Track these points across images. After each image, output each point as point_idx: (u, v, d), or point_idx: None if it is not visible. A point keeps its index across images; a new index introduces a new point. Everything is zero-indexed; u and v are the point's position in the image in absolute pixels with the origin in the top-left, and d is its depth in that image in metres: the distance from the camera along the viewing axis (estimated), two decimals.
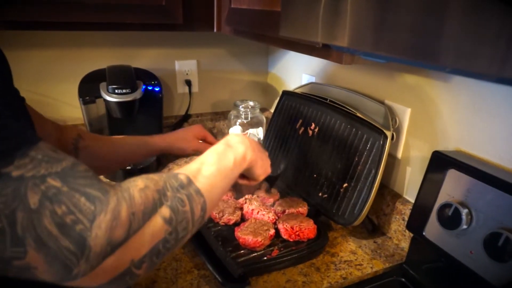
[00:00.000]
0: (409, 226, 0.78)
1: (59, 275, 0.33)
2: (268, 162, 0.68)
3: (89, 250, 0.33)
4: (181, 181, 0.44)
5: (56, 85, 1.21)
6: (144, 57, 1.30)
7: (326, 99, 0.97)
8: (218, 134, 1.42)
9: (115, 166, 0.90)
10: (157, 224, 0.39)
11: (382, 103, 0.88)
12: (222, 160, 0.53)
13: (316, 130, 0.98)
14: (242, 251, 0.75)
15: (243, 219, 0.85)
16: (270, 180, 0.92)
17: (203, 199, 0.46)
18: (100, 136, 0.82)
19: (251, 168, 0.62)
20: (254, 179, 0.68)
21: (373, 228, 0.90)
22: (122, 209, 0.36)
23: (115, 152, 0.80)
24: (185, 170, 0.47)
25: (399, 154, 0.88)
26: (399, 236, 0.86)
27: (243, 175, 0.67)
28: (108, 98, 1.07)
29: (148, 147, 0.84)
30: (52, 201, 0.32)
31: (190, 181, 0.45)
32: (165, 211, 0.40)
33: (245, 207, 0.86)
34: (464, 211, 0.63)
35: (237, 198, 0.92)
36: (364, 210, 0.80)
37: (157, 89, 1.22)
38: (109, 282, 0.36)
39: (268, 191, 0.94)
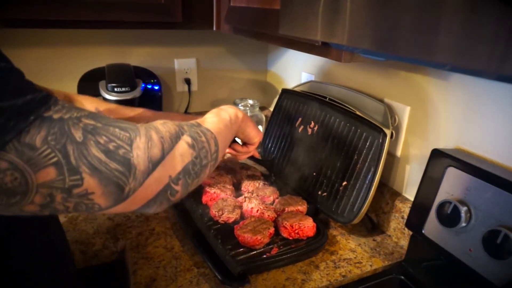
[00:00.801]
0: (408, 224, 0.78)
1: (114, 195, 0.37)
2: (257, 127, 0.76)
3: (135, 168, 0.38)
4: (192, 123, 0.51)
5: (55, 83, 1.20)
6: (144, 56, 1.30)
7: (326, 97, 0.97)
8: None
9: None
10: (183, 147, 0.45)
11: (381, 101, 0.88)
12: (220, 115, 0.61)
13: (316, 128, 0.98)
14: (241, 249, 0.75)
15: (242, 217, 0.85)
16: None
17: (214, 136, 0.52)
18: (115, 107, 0.83)
19: (246, 127, 0.71)
20: (251, 141, 0.77)
21: (373, 226, 0.90)
22: (153, 133, 0.42)
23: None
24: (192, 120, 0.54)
25: (398, 152, 0.88)
26: (398, 234, 0.86)
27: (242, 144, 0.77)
28: (108, 97, 1.07)
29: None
30: (93, 134, 0.36)
31: (199, 124, 0.52)
32: (187, 138, 0.46)
33: (245, 205, 0.86)
34: (463, 209, 0.63)
35: (236, 196, 0.92)
36: (364, 208, 0.80)
37: (156, 87, 1.22)
38: (154, 198, 0.41)
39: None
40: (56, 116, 0.34)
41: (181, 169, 0.44)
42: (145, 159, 0.39)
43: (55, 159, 0.33)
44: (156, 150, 0.41)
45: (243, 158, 0.85)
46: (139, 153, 0.39)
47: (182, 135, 0.46)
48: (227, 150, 0.79)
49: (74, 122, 0.35)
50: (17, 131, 0.31)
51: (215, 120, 0.58)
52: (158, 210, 0.44)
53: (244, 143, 0.79)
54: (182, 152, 0.44)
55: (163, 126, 0.44)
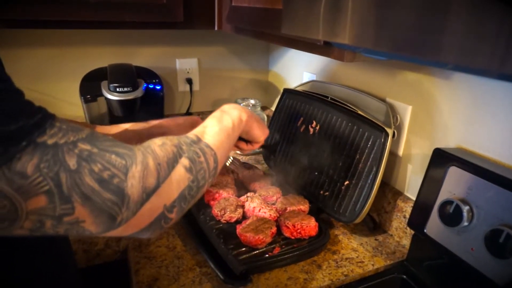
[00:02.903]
0: (410, 224, 0.78)
1: (105, 224, 0.37)
2: (263, 124, 0.73)
3: (128, 198, 0.37)
4: (192, 139, 0.50)
5: (57, 83, 1.21)
6: (145, 56, 1.30)
7: (327, 97, 0.97)
8: None
9: None
10: (180, 172, 0.44)
11: (383, 100, 0.88)
12: (222, 122, 0.58)
13: (317, 128, 0.98)
14: (243, 249, 0.75)
15: (244, 216, 0.85)
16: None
17: (214, 152, 0.51)
18: (105, 127, 0.80)
19: (250, 129, 0.68)
20: (256, 141, 0.74)
21: (374, 225, 0.90)
22: (149, 160, 0.40)
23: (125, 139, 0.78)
24: (192, 132, 0.53)
25: (400, 152, 0.88)
26: (400, 233, 0.86)
27: (245, 141, 0.74)
28: (110, 97, 1.07)
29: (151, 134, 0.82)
30: (88, 161, 0.35)
31: (199, 139, 0.51)
32: (185, 161, 0.45)
33: (247, 204, 0.86)
34: (465, 208, 0.63)
35: (239, 195, 0.92)
36: (365, 207, 0.80)
37: (158, 87, 1.22)
38: (147, 227, 0.41)
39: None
40: (50, 141, 0.34)
41: (176, 197, 0.43)
42: (139, 189, 0.38)
43: (46, 187, 0.33)
44: (152, 179, 0.40)
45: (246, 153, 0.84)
46: (134, 183, 0.38)
47: (180, 157, 0.45)
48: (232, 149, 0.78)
49: (69, 148, 0.35)
50: (7, 158, 0.31)
51: (216, 130, 0.55)
52: (151, 237, 0.44)
53: (248, 141, 0.77)
54: (179, 179, 0.43)
55: (161, 149, 0.43)
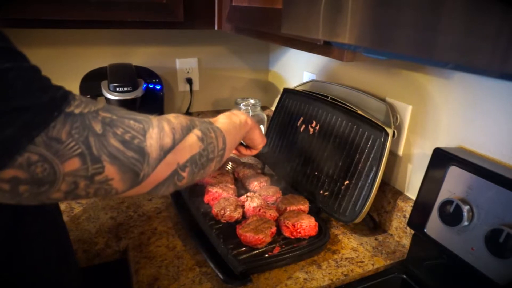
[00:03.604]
0: (410, 223, 0.78)
1: (130, 180, 0.41)
2: (263, 134, 0.81)
3: (148, 155, 0.42)
4: (205, 120, 0.55)
5: (57, 83, 1.20)
6: (145, 55, 1.30)
7: (327, 97, 0.97)
8: None
9: None
10: (193, 139, 0.49)
11: (383, 100, 0.88)
12: (231, 118, 0.65)
13: (317, 127, 0.98)
14: (243, 249, 0.75)
15: (244, 216, 0.85)
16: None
17: (223, 134, 0.56)
18: None
19: (252, 134, 0.75)
20: (255, 147, 0.81)
21: (374, 225, 0.90)
22: (164, 125, 0.45)
23: None
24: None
25: (400, 152, 0.88)
26: (400, 233, 0.86)
27: (246, 146, 0.81)
28: (109, 96, 1.07)
29: None
30: (111, 126, 0.39)
31: (210, 122, 0.57)
32: (197, 131, 0.50)
33: (247, 204, 0.86)
34: (465, 208, 0.63)
35: (238, 195, 0.92)
36: (365, 207, 0.80)
37: (158, 87, 1.22)
38: (163, 182, 0.45)
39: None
40: (77, 111, 0.37)
41: (188, 158, 0.47)
42: (157, 148, 0.43)
43: (79, 150, 0.36)
44: (168, 139, 0.44)
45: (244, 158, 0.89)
46: (152, 142, 0.42)
47: (193, 128, 0.50)
48: (233, 151, 0.80)
49: (93, 116, 0.38)
50: (44, 126, 0.34)
51: (226, 121, 0.61)
52: (165, 193, 0.48)
53: (248, 147, 0.83)
54: (191, 143, 0.48)
55: (175, 118, 0.48)
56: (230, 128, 0.61)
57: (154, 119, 0.45)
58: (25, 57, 0.38)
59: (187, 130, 0.48)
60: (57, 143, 0.35)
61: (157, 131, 0.43)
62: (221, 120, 0.61)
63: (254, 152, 0.83)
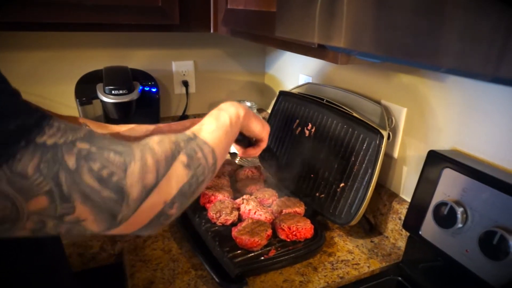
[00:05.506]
0: (405, 225, 0.78)
1: (106, 223, 0.37)
2: (262, 119, 0.71)
3: (128, 196, 0.37)
4: (189, 136, 0.49)
5: (53, 86, 1.20)
6: (141, 58, 1.30)
7: (323, 99, 0.97)
8: None
9: None
10: (179, 169, 0.43)
11: (378, 103, 0.89)
12: (219, 119, 0.57)
13: (313, 130, 0.98)
14: (239, 251, 0.75)
15: (240, 219, 0.85)
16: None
17: (211, 148, 0.50)
18: (105, 125, 0.79)
19: (248, 124, 0.66)
20: (258, 136, 0.71)
21: (370, 227, 0.90)
22: (148, 157, 0.40)
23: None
24: (189, 130, 0.52)
25: (395, 154, 0.89)
26: (395, 235, 0.87)
27: (248, 143, 0.74)
28: (105, 99, 1.07)
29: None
30: (86, 160, 0.35)
31: (195, 135, 0.50)
32: (183, 157, 0.44)
33: (242, 207, 0.86)
34: (459, 210, 0.64)
35: (234, 198, 0.92)
36: (361, 209, 0.80)
37: (154, 90, 1.22)
38: (148, 224, 0.41)
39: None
40: (49, 142, 0.34)
41: (176, 193, 0.43)
42: (139, 186, 0.38)
43: (47, 187, 0.33)
44: (151, 175, 0.40)
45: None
46: (133, 180, 0.38)
47: (178, 154, 0.44)
48: (239, 153, 0.76)
49: (68, 148, 0.35)
50: (7, 157, 0.31)
51: (213, 127, 0.54)
52: (152, 233, 0.43)
53: (255, 142, 0.75)
54: (178, 175, 0.43)
55: (159, 146, 0.43)
56: (220, 135, 0.54)
57: (136, 150, 0.40)
58: (5, 80, 0.34)
59: (172, 159, 0.43)
60: (22, 179, 0.32)
61: (139, 166, 0.39)
62: (207, 129, 0.53)
63: (263, 144, 0.75)
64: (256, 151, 0.75)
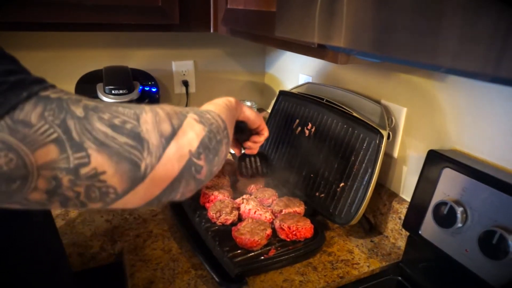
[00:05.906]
0: (405, 225, 0.78)
1: (129, 174, 0.33)
2: (252, 108, 0.72)
3: (147, 142, 0.34)
4: (191, 107, 0.46)
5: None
6: (141, 58, 1.30)
7: (323, 99, 0.97)
8: None
9: None
10: (192, 123, 0.41)
11: (378, 102, 0.89)
12: (214, 103, 0.55)
13: (313, 130, 0.98)
14: (239, 251, 0.75)
15: (240, 219, 0.85)
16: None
17: (218, 113, 0.47)
18: None
19: (243, 109, 0.66)
20: (253, 123, 0.71)
21: (370, 227, 0.90)
22: (159, 110, 0.38)
23: None
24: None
25: (395, 154, 0.89)
26: (395, 235, 0.87)
27: (247, 138, 0.75)
28: (105, 99, 1.07)
29: None
30: (95, 111, 0.33)
31: (197, 108, 0.48)
32: (193, 115, 0.42)
33: (242, 207, 0.86)
34: (459, 210, 0.64)
35: (234, 197, 0.92)
36: (361, 209, 0.81)
37: (154, 89, 1.22)
38: (179, 176, 0.37)
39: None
40: (54, 95, 0.31)
41: (199, 143, 0.40)
42: (155, 133, 0.35)
43: (54, 135, 0.30)
44: (166, 125, 0.37)
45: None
46: (148, 128, 0.35)
47: (187, 113, 0.42)
48: (245, 144, 0.78)
49: (74, 101, 0.32)
50: (8, 107, 0.28)
51: (211, 105, 0.53)
52: (186, 194, 0.39)
53: (255, 134, 0.75)
54: (193, 128, 0.40)
55: (165, 105, 0.41)
56: (220, 108, 0.52)
57: (145, 106, 0.38)
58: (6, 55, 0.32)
59: (182, 115, 0.41)
60: (24, 127, 0.29)
61: (151, 115, 0.36)
62: (205, 106, 0.52)
63: (263, 136, 0.75)
64: (260, 138, 0.76)
